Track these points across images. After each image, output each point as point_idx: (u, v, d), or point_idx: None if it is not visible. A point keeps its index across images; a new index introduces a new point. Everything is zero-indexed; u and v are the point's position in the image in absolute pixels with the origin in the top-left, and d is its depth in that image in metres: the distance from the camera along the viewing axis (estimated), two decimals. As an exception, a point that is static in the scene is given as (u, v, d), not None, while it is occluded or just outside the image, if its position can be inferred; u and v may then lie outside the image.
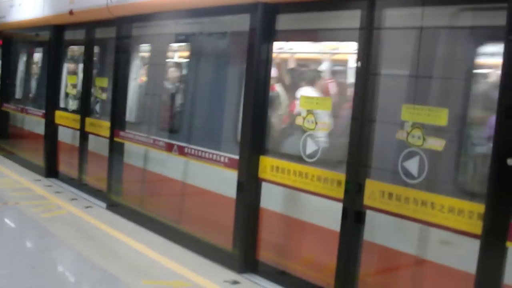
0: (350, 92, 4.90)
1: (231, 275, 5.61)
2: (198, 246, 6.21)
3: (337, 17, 4.98)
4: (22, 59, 12.60)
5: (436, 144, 4.09)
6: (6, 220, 7.68)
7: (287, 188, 5.28)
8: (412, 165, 4.25)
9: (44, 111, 10.30)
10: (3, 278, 5.30)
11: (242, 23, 5.66)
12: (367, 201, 4.53)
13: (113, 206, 7.87)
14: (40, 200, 8.40)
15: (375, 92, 4.53)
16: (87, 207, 8.08)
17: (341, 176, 4.72)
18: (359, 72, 4.58)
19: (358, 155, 4.62)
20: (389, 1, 4.43)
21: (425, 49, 4.31)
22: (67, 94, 9.82)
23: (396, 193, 4.33)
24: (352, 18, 4.64)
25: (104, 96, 8.51)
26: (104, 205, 8.08)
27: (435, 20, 4.26)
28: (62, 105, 10.01)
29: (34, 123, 10.96)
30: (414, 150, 4.22)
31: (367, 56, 4.52)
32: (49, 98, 10.15)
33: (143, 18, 7.39)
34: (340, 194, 4.73)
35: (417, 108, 4.20)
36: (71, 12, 8.83)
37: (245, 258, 5.64)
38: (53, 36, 10.05)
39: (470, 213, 3.89)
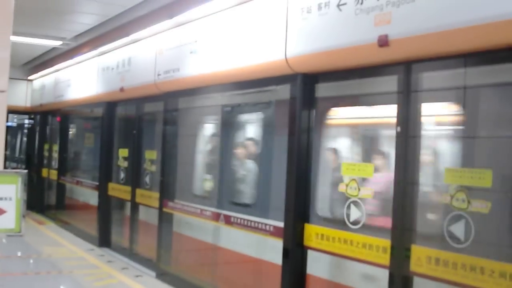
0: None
1: None
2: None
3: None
4: (78, 134, 13.10)
5: (482, 206, 4.02)
6: (61, 288, 7.86)
7: (333, 255, 5.25)
8: (458, 229, 4.16)
9: (97, 183, 10.61)
10: None
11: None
12: (413, 267, 4.44)
13: (162, 275, 7.93)
14: (92, 269, 8.55)
15: (416, 155, 4.53)
16: (137, 276, 8.17)
17: (386, 242, 4.67)
18: (399, 136, 4.60)
19: (402, 220, 4.57)
20: (425, 65, 4.48)
21: (466, 108, 4.32)
22: (118, 167, 10.12)
23: (443, 258, 4.23)
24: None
25: (153, 168, 8.73)
26: (153, 274, 8.15)
27: (476, 79, 4.27)
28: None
29: (88, 194, 11.28)
30: (459, 214, 4.15)
31: (406, 119, 4.55)
32: (102, 170, 10.47)
33: (189, 92, 7.65)
34: (386, 260, 4.67)
35: (459, 171, 4.17)
36: (122, 90, 9.21)
37: (292, 327, 5.57)
38: (106, 112, 10.45)
39: (525, 279, 3.75)
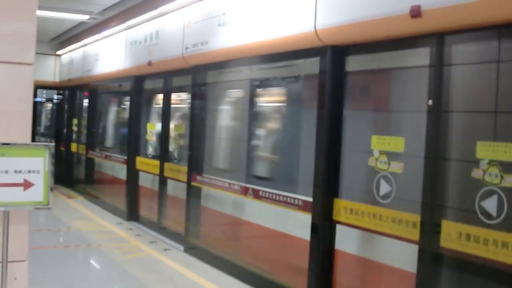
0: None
1: (306, 318, 5.54)
2: (273, 289, 6.19)
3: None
4: (106, 108, 13.17)
5: (515, 182, 3.94)
6: (90, 261, 7.97)
7: (361, 230, 5.21)
8: (490, 205, 4.09)
9: (126, 157, 10.68)
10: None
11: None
12: (444, 242, 4.38)
13: (190, 249, 7.98)
14: (121, 243, 8.65)
15: (447, 130, 4.44)
16: (165, 249, 8.24)
17: (416, 217, 4.61)
18: (431, 110, 4.51)
19: (433, 195, 4.51)
20: (458, 37, 4.37)
21: (500, 83, 4.22)
22: (147, 141, 10.17)
23: (474, 234, 4.16)
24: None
25: (181, 142, 8.74)
26: (182, 247, 8.21)
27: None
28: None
29: (116, 168, 11.37)
30: (491, 189, 4.07)
31: (438, 93, 4.46)
32: (131, 145, 10.53)
33: (217, 66, 7.61)
34: (416, 235, 4.62)
35: (493, 145, 4.08)
36: (149, 63, 9.21)
37: (320, 302, 5.56)
38: (134, 86, 10.47)
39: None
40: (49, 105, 18.55)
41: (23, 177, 3.49)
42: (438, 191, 4.48)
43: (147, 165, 9.95)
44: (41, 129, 18.94)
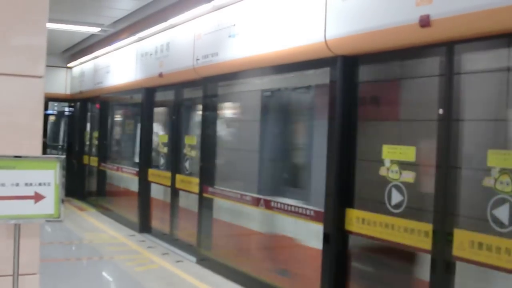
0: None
1: (319, 329, 5.51)
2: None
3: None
4: (118, 120, 13.23)
5: (526, 190, 3.91)
6: (102, 274, 7.97)
7: (374, 240, 5.18)
8: (502, 213, 4.06)
9: (137, 169, 10.70)
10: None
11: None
12: (456, 251, 4.35)
13: (203, 261, 7.97)
14: (133, 255, 8.65)
15: (458, 139, 4.42)
16: (178, 261, 8.23)
17: (428, 226, 4.59)
18: (441, 119, 4.49)
19: (444, 204, 4.48)
20: (467, 46, 4.36)
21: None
22: (158, 153, 10.18)
23: (486, 243, 4.13)
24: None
25: (193, 153, 8.75)
26: (194, 259, 8.20)
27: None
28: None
29: (128, 180, 11.39)
30: (503, 197, 4.04)
31: (448, 102, 4.44)
32: (142, 156, 10.55)
33: (228, 77, 7.62)
34: (428, 245, 4.59)
35: (503, 153, 4.06)
36: (161, 75, 9.25)
37: (333, 312, 5.53)
38: (145, 98, 10.51)
39: None
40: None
41: (34, 189, 3.50)
42: (450, 199, 4.46)
43: (158, 176, 9.97)
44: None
